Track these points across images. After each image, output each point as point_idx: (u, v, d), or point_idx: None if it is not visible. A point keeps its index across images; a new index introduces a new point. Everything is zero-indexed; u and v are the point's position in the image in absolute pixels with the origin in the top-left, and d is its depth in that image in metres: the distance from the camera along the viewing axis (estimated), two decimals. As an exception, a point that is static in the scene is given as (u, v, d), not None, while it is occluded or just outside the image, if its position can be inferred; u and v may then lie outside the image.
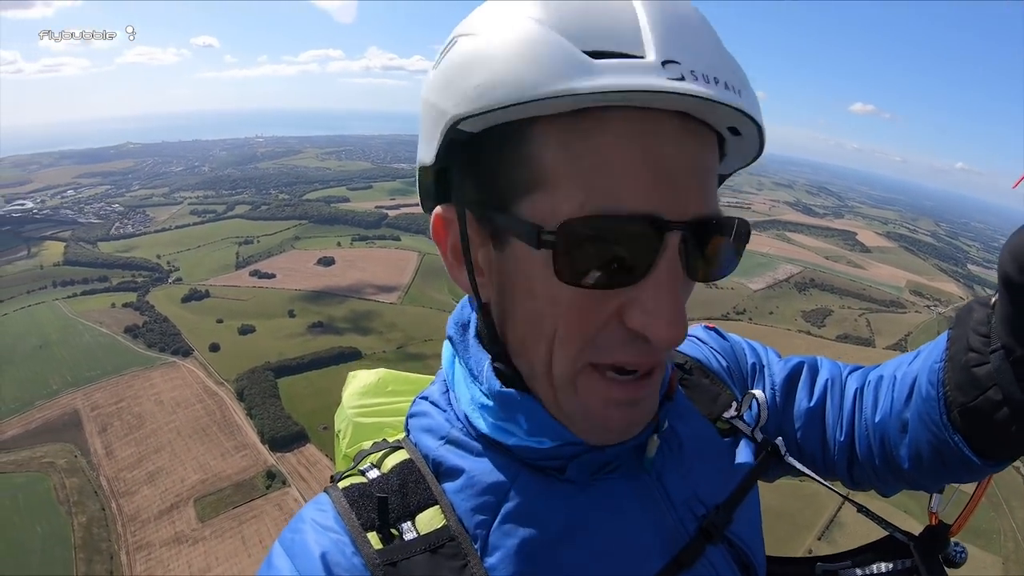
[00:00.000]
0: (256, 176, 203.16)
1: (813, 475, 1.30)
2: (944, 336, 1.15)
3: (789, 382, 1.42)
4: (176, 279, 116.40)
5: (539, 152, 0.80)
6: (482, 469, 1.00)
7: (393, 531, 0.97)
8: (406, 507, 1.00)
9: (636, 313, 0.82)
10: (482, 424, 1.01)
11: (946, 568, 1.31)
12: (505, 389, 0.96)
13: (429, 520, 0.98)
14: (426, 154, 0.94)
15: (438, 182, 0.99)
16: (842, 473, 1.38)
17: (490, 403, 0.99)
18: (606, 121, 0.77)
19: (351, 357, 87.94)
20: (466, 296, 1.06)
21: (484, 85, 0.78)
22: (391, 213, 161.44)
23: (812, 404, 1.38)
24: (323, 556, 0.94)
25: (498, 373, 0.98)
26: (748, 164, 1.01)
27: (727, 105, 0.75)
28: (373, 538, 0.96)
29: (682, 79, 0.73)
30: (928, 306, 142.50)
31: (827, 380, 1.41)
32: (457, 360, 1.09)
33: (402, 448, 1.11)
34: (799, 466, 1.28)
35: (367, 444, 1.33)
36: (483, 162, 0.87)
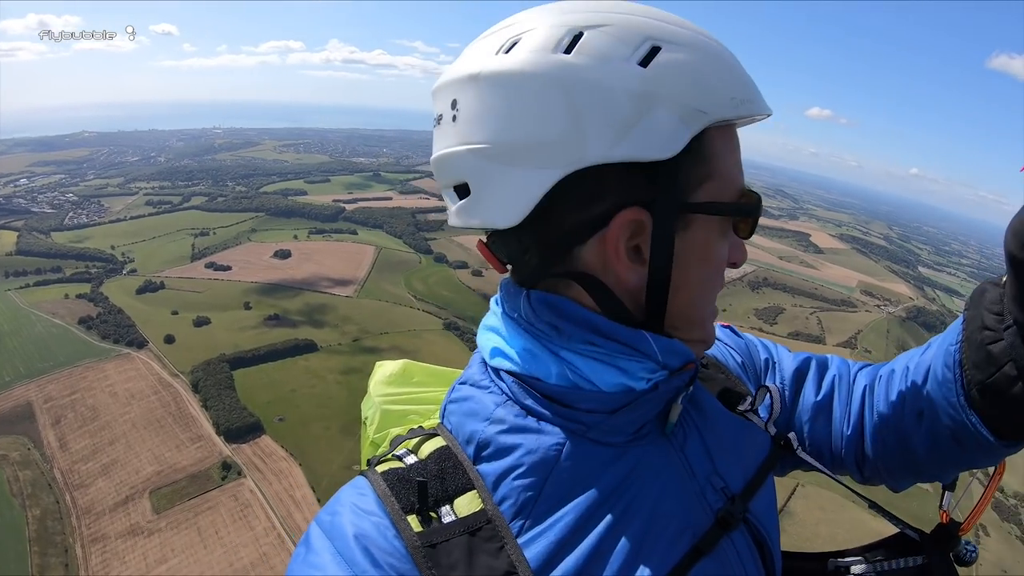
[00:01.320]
0: (213, 167, 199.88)
1: (824, 470, 1.33)
2: (956, 323, 1.17)
3: (797, 377, 1.46)
4: (131, 270, 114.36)
5: (712, 150, 1.03)
6: (530, 445, 1.04)
7: (432, 514, 1.00)
8: (444, 491, 1.02)
9: (736, 252, 1.11)
10: (599, 373, 1.05)
11: (957, 566, 1.32)
12: (634, 330, 1.05)
13: (467, 504, 1.01)
14: (658, 150, 0.97)
15: (628, 186, 1.02)
16: (851, 467, 1.40)
17: (603, 350, 1.05)
18: (733, 131, 1.08)
19: (306, 349, 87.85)
20: (550, 297, 1.08)
21: (739, 96, 1.02)
22: (348, 207, 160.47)
23: (819, 398, 1.42)
24: (362, 537, 0.96)
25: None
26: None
27: (764, 116, 1.07)
28: (413, 521, 0.98)
29: (767, 116, 1.07)
30: (878, 305, 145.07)
31: (835, 376, 1.45)
32: (541, 346, 1.09)
33: (438, 435, 1.14)
34: (811, 461, 1.32)
35: (394, 430, 1.36)
36: (680, 165, 1.01)
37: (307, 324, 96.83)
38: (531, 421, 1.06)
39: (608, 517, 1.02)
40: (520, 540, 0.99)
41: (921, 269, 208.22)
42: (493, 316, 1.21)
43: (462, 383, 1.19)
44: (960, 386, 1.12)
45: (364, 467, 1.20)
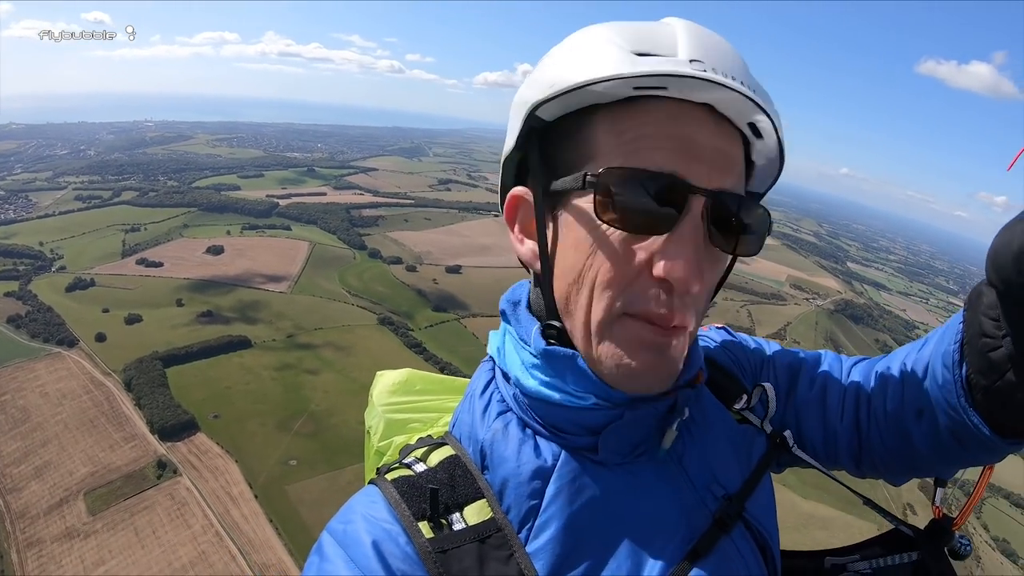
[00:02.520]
0: (144, 161, 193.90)
1: (819, 467, 1.34)
2: (955, 320, 1.14)
3: (791, 373, 1.43)
4: (60, 267, 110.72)
5: (594, 133, 1.01)
6: (528, 455, 1.06)
7: (443, 521, 1.01)
8: (455, 499, 1.04)
9: (661, 261, 0.96)
10: (531, 382, 1.09)
11: (952, 560, 1.31)
12: (549, 346, 1.07)
13: (477, 512, 1.03)
14: (509, 143, 1.13)
15: (517, 173, 1.17)
16: (846, 463, 1.38)
17: (538, 362, 1.08)
18: (648, 107, 0.97)
19: (240, 346, 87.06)
20: (519, 281, 1.21)
21: (556, 76, 0.99)
22: (282, 202, 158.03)
23: (812, 394, 1.39)
24: (376, 545, 0.97)
25: (545, 336, 1.09)
26: (774, 181, 1.16)
27: (742, 93, 0.93)
28: (424, 527, 1.00)
29: (705, 71, 0.93)
30: (807, 299, 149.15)
31: (827, 371, 1.41)
32: (508, 334, 1.18)
33: (446, 444, 1.18)
34: (806, 458, 1.31)
35: (398, 439, 1.40)
36: (552, 147, 1.07)
37: (240, 321, 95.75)
38: (529, 433, 1.10)
39: (609, 530, 1.04)
40: (528, 548, 1.00)
41: (850, 264, 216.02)
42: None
43: (470, 392, 1.22)
44: (960, 387, 1.09)
45: (369, 476, 1.20)
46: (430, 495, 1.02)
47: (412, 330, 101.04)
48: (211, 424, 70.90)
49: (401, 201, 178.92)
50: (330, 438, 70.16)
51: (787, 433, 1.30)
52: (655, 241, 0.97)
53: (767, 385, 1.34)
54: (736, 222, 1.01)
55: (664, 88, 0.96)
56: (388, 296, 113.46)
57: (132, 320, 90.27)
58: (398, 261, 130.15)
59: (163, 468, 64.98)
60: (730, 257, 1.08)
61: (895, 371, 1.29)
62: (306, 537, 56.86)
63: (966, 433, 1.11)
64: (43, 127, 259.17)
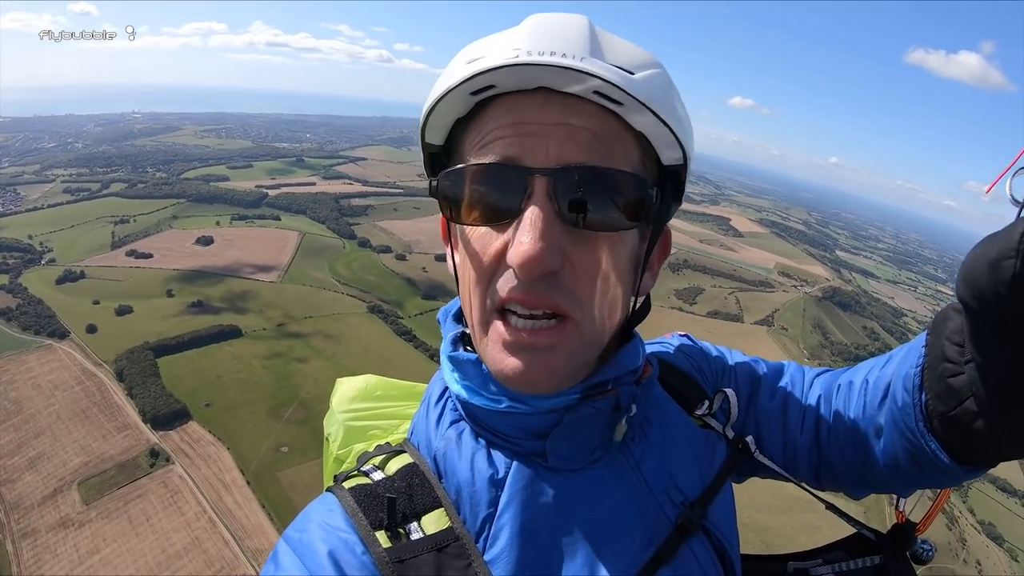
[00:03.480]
0: (133, 153, 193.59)
1: (783, 473, 1.32)
2: (918, 341, 1.12)
3: (752, 382, 1.41)
4: (50, 260, 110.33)
5: (462, 146, 1.05)
6: (481, 463, 1.06)
7: (400, 531, 1.01)
8: (412, 508, 1.04)
9: (510, 247, 0.95)
10: (455, 387, 1.11)
11: (914, 565, 1.31)
12: (452, 352, 1.11)
13: (435, 521, 1.03)
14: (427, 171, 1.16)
15: None
16: (804, 473, 1.35)
17: (453, 367, 1.12)
18: (491, 107, 1.00)
19: (231, 335, 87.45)
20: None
21: (425, 105, 1.05)
22: (271, 192, 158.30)
23: (772, 404, 1.37)
24: (332, 554, 0.96)
25: (465, 342, 1.13)
26: (683, 146, 1.06)
27: (554, 66, 0.91)
28: (381, 537, 1.00)
29: (516, 58, 0.91)
30: (795, 286, 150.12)
31: (789, 383, 1.40)
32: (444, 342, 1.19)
33: (404, 452, 1.17)
34: (768, 463, 1.31)
35: (358, 446, 1.38)
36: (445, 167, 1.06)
37: (230, 311, 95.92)
38: (482, 442, 1.09)
39: (565, 535, 1.03)
40: (486, 557, 1.00)
41: (839, 252, 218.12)
42: None
43: (426, 400, 1.23)
44: (919, 411, 1.07)
45: (328, 484, 1.19)
46: (387, 504, 1.02)
47: (402, 318, 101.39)
48: (203, 413, 71.30)
49: (390, 190, 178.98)
50: (320, 425, 65.49)
51: (749, 439, 1.29)
52: (510, 229, 0.96)
53: (729, 391, 1.33)
54: (596, 196, 0.96)
55: (494, 87, 0.96)
56: (377, 285, 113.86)
57: (123, 311, 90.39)
58: (387, 250, 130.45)
59: (156, 456, 65.37)
60: (620, 234, 1.03)
61: (856, 387, 1.27)
62: (298, 522, 57.46)
63: (924, 458, 1.10)
64: (30, 120, 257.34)
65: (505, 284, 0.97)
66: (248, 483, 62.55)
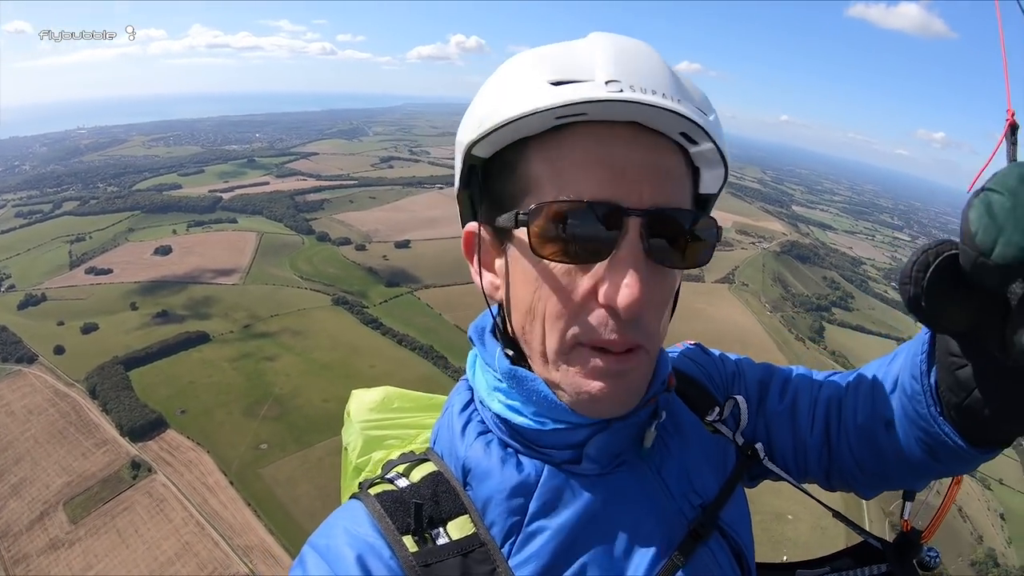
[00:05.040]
0: (82, 170, 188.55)
1: (790, 480, 1.32)
2: (922, 335, 1.11)
3: (761, 386, 1.43)
4: (9, 286, 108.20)
5: (528, 166, 1.00)
6: (510, 471, 1.06)
7: (427, 535, 1.02)
8: (438, 514, 1.05)
9: (604, 287, 0.95)
10: (496, 404, 1.11)
11: (920, 572, 1.32)
12: (513, 366, 1.08)
13: (460, 527, 1.04)
14: (456, 181, 1.14)
15: (472, 207, 1.17)
16: (816, 475, 1.37)
17: (502, 384, 1.10)
18: (575, 134, 0.96)
19: (199, 341, 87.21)
20: (487, 310, 1.19)
21: (483, 114, 1.00)
22: (225, 196, 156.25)
23: (782, 407, 1.38)
24: (360, 559, 0.97)
25: (508, 358, 1.10)
26: (725, 177, 1.12)
27: (656, 107, 0.90)
28: (408, 541, 1.00)
29: (621, 91, 0.90)
30: (753, 243, 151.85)
31: (798, 384, 1.41)
32: (478, 357, 1.21)
33: (428, 460, 1.18)
34: (777, 471, 1.31)
35: (377, 455, 1.42)
36: (492, 182, 1.07)
37: (195, 317, 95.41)
38: (511, 451, 1.10)
39: (591, 541, 1.04)
40: (511, 562, 1.01)
41: (795, 208, 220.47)
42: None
43: (448, 409, 1.24)
44: (929, 397, 1.07)
45: (346, 493, 1.23)
46: (414, 509, 1.02)
47: (367, 307, 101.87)
48: (179, 420, 71.37)
49: (345, 183, 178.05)
50: (296, 419, 71.18)
51: (758, 445, 1.30)
52: (599, 268, 0.96)
53: (739, 398, 1.34)
54: (678, 237, 0.99)
55: (584, 114, 0.94)
56: (340, 277, 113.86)
57: (88, 329, 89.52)
58: (347, 242, 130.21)
59: (137, 468, 65.31)
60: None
61: (865, 384, 1.28)
62: (284, 516, 58.39)
63: (937, 443, 1.09)
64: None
65: (596, 324, 0.97)
66: (231, 483, 62.92)
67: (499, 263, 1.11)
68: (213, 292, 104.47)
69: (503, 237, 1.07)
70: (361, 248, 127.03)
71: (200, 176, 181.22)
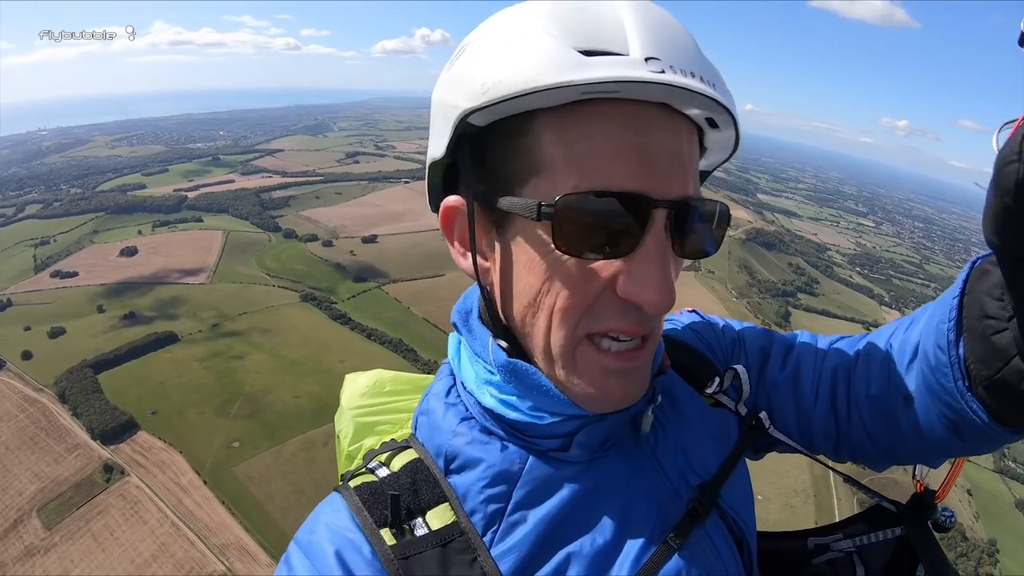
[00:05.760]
0: (44, 172, 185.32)
1: (799, 447, 1.27)
2: (946, 298, 1.01)
3: (762, 354, 1.36)
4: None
5: (538, 142, 0.88)
6: (494, 459, 1.02)
7: (405, 527, 0.98)
8: (417, 504, 1.01)
9: (627, 282, 0.87)
10: (487, 399, 1.04)
11: (936, 533, 1.27)
12: (511, 359, 1.00)
13: (439, 516, 1.00)
14: (436, 149, 0.99)
15: (446, 178, 1.05)
16: (823, 446, 1.29)
17: (495, 377, 1.03)
18: (598, 112, 0.84)
19: (168, 342, 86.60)
20: (468, 288, 1.13)
21: (488, 79, 0.84)
22: (190, 195, 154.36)
23: (784, 375, 1.31)
24: (339, 554, 0.95)
25: (504, 350, 1.01)
26: (727, 159, 1.08)
27: (703, 95, 0.81)
28: (386, 534, 0.97)
29: (663, 72, 0.80)
30: None
31: (801, 352, 1.33)
32: (462, 344, 1.13)
33: (410, 447, 1.13)
34: (784, 439, 1.26)
35: (368, 441, 1.36)
36: (488, 154, 0.94)
37: (162, 318, 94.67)
38: (495, 438, 1.05)
39: (578, 527, 1.00)
40: (493, 552, 0.97)
41: (760, 196, 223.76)
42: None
43: (429, 395, 1.18)
44: (957, 370, 0.96)
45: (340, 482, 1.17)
46: (391, 501, 0.99)
47: (335, 303, 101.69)
48: (150, 421, 70.98)
49: (310, 179, 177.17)
50: (268, 415, 71.31)
51: (762, 415, 1.25)
52: (619, 260, 0.89)
53: (740, 368, 1.29)
54: (699, 227, 0.94)
55: (617, 92, 0.83)
56: (308, 273, 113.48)
57: (56, 333, 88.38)
58: (314, 238, 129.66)
59: (110, 471, 64.88)
60: None
61: (879, 352, 1.20)
62: (259, 513, 58.66)
63: (963, 420, 0.99)
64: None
65: (613, 315, 0.91)
66: (205, 482, 62.80)
67: (491, 243, 1.00)
68: (180, 292, 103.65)
69: (500, 217, 0.96)
70: (328, 244, 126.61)
71: (164, 175, 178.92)
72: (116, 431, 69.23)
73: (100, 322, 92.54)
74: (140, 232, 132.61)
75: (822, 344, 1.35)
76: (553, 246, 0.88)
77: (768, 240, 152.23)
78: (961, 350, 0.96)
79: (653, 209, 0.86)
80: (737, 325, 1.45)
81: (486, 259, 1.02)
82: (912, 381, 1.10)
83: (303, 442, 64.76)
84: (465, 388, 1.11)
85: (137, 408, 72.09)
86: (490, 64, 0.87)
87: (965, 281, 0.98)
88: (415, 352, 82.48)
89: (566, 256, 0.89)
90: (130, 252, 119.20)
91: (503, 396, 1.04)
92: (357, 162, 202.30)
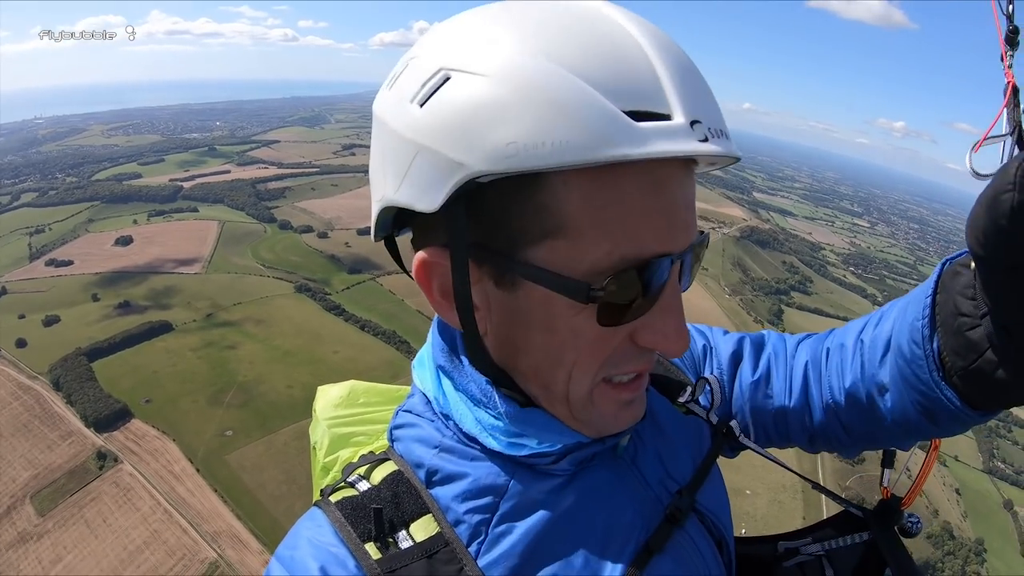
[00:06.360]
0: (40, 161, 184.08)
1: (768, 455, 1.32)
2: (916, 296, 1.07)
3: (734, 360, 1.40)
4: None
5: (558, 201, 0.80)
6: (479, 473, 1.01)
7: (389, 540, 0.97)
8: (400, 517, 1.00)
9: (648, 334, 0.88)
10: (493, 443, 1.01)
11: (903, 538, 1.30)
12: (525, 408, 0.99)
13: (423, 528, 0.99)
14: (422, 201, 0.85)
15: (399, 216, 0.99)
16: (799, 439, 1.36)
17: (501, 423, 1.00)
18: (627, 173, 0.78)
19: (162, 331, 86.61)
20: (434, 325, 1.10)
21: (521, 143, 0.74)
22: (186, 185, 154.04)
23: (756, 377, 1.35)
24: (323, 570, 0.93)
25: (516, 401, 0.99)
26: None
27: (734, 157, 0.85)
28: (371, 548, 0.96)
29: (706, 140, 0.77)
30: (713, 228, 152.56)
31: (772, 352, 1.38)
32: (451, 386, 1.07)
33: (389, 460, 1.11)
34: (753, 447, 1.29)
35: (344, 454, 1.33)
36: (489, 207, 0.84)
37: (157, 308, 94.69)
38: (476, 451, 1.03)
39: (566, 538, 1.00)
40: (480, 562, 0.96)
41: (756, 194, 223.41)
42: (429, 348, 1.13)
43: (406, 411, 1.15)
44: (932, 362, 1.02)
45: (317, 495, 1.15)
46: (374, 515, 0.98)
47: (330, 294, 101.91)
48: (144, 409, 71.14)
49: (306, 170, 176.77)
50: (261, 405, 71.51)
51: (733, 423, 1.27)
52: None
53: (711, 377, 1.31)
54: (696, 262, 0.96)
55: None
56: (302, 264, 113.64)
57: (50, 321, 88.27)
58: (309, 229, 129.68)
59: (104, 459, 65.09)
60: None
61: (849, 347, 1.25)
62: (251, 501, 59.00)
63: (937, 407, 1.06)
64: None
65: (631, 360, 0.93)
66: (198, 470, 63.06)
67: (483, 294, 0.94)
68: (175, 282, 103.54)
69: (503, 274, 0.89)
70: (323, 236, 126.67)
71: (160, 165, 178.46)
72: (110, 419, 69.43)
73: (94, 311, 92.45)
74: (135, 221, 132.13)
75: (791, 343, 1.40)
76: (585, 316, 0.86)
77: (762, 238, 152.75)
78: (935, 344, 1.02)
79: (672, 265, 0.87)
80: (708, 332, 1.48)
81: (477, 309, 0.95)
82: (887, 373, 1.14)
83: (295, 431, 64.55)
84: (463, 423, 1.05)
85: (131, 396, 72.26)
86: (513, 118, 0.75)
87: (937, 281, 1.03)
88: (408, 344, 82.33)
89: (581, 315, 0.86)
90: (125, 241, 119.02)
91: (515, 440, 1.01)
92: (353, 154, 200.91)
